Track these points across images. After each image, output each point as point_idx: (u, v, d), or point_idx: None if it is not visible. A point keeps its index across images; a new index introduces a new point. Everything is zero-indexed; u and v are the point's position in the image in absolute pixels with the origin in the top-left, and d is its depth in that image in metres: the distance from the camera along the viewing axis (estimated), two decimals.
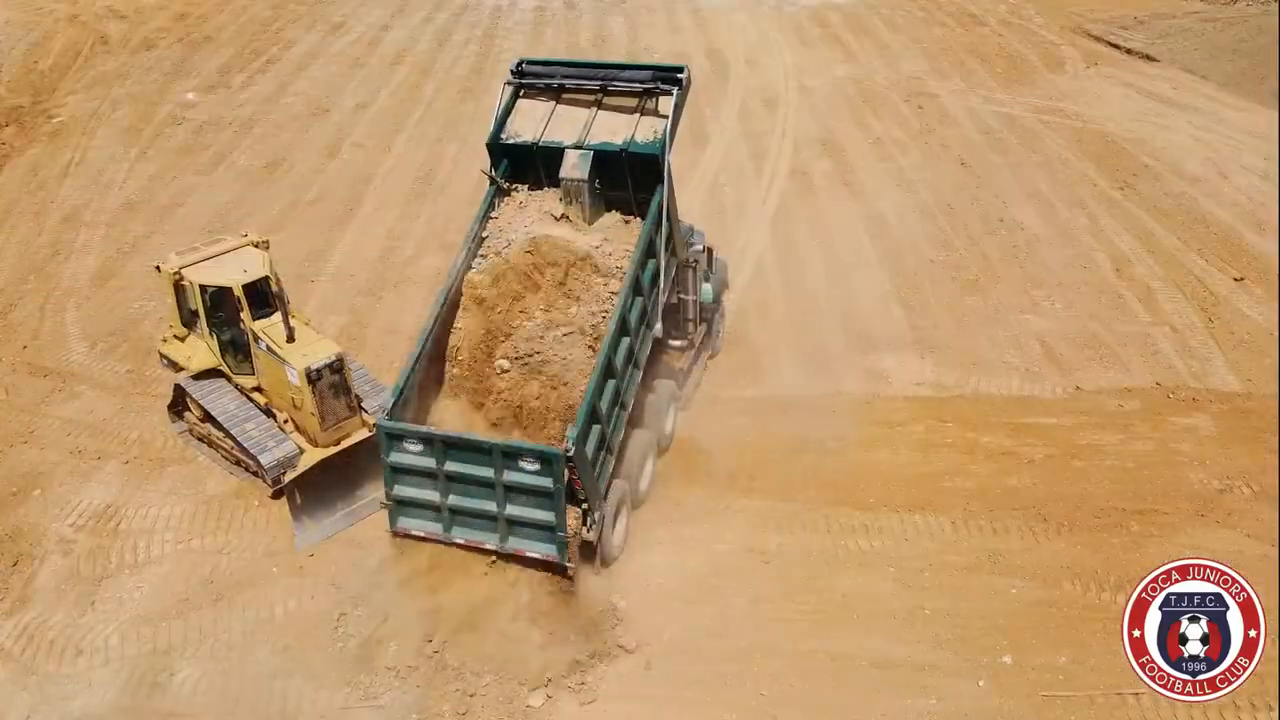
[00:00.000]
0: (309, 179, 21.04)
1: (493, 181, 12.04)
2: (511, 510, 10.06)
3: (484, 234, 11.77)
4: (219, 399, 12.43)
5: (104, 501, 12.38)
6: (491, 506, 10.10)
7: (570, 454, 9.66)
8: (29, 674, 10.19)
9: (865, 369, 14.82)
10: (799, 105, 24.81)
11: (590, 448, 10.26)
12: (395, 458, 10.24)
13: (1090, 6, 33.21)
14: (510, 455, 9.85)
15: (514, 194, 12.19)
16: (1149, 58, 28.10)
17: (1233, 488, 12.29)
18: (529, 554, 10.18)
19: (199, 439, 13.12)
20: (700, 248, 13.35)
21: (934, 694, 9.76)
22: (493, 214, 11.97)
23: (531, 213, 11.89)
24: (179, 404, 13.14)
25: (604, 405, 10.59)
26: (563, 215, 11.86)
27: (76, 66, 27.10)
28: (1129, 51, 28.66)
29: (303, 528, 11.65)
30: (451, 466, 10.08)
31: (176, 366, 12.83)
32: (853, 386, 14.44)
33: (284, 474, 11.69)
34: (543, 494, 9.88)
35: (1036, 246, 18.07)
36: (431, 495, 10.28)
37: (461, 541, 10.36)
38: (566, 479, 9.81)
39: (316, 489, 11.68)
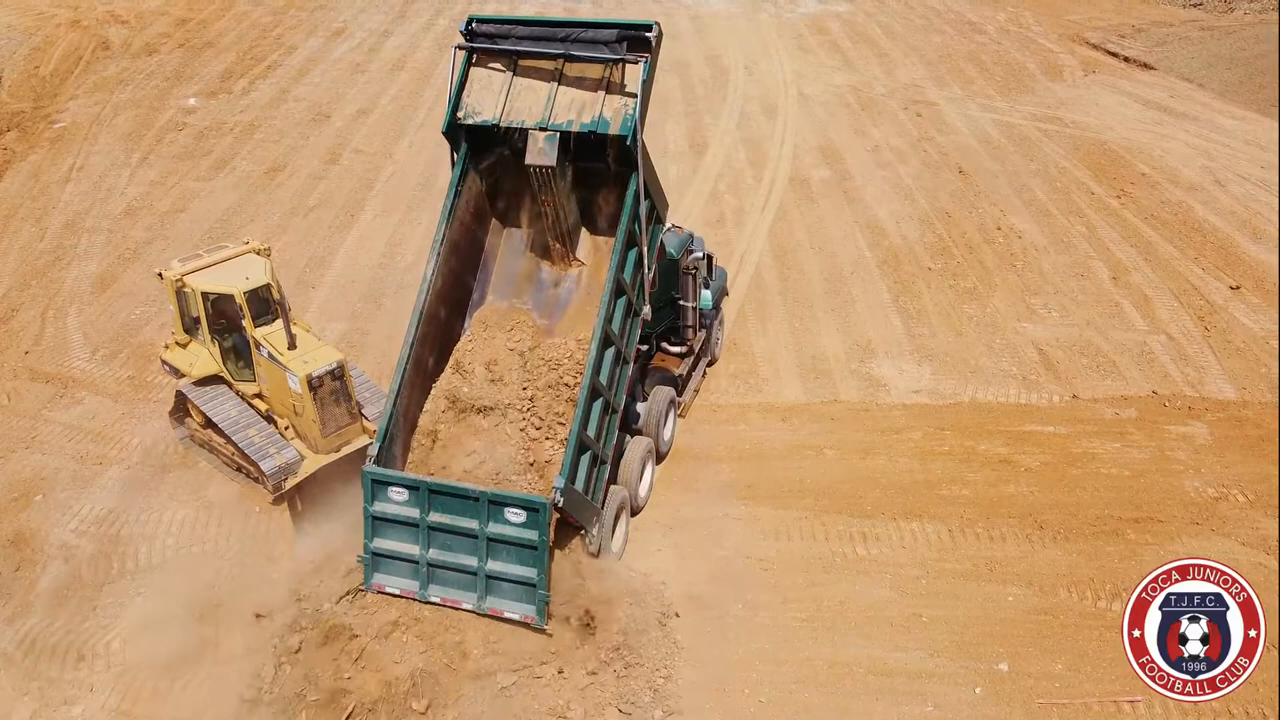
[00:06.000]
0: (310, 185, 21.12)
1: (455, 169, 11.14)
2: (493, 565, 9.75)
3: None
4: (220, 405, 12.48)
5: (106, 507, 12.42)
6: (472, 561, 9.79)
7: (559, 504, 9.50)
8: (31, 680, 10.23)
9: (863, 376, 14.91)
10: (798, 112, 24.94)
11: (580, 479, 10.06)
12: (378, 507, 9.99)
13: (1088, 15, 33.41)
14: (497, 504, 9.61)
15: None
16: (1146, 66, 28.26)
17: (1228, 496, 12.37)
18: (507, 614, 9.81)
19: (200, 445, 13.17)
20: (700, 254, 13.41)
21: (931, 701, 9.82)
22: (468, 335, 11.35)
23: (498, 340, 11.18)
24: (180, 410, 13.19)
25: (591, 429, 10.32)
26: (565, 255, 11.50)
27: (78, 72, 27.18)
28: (1127, 60, 28.82)
29: (303, 533, 11.70)
30: (435, 516, 9.84)
31: (178, 373, 12.87)
32: (850, 394, 14.53)
33: (285, 480, 11.73)
34: (526, 547, 9.59)
35: (1034, 254, 18.17)
36: (411, 549, 9.95)
37: (438, 601, 9.97)
38: (558, 520, 9.69)
39: (317, 495, 11.74)
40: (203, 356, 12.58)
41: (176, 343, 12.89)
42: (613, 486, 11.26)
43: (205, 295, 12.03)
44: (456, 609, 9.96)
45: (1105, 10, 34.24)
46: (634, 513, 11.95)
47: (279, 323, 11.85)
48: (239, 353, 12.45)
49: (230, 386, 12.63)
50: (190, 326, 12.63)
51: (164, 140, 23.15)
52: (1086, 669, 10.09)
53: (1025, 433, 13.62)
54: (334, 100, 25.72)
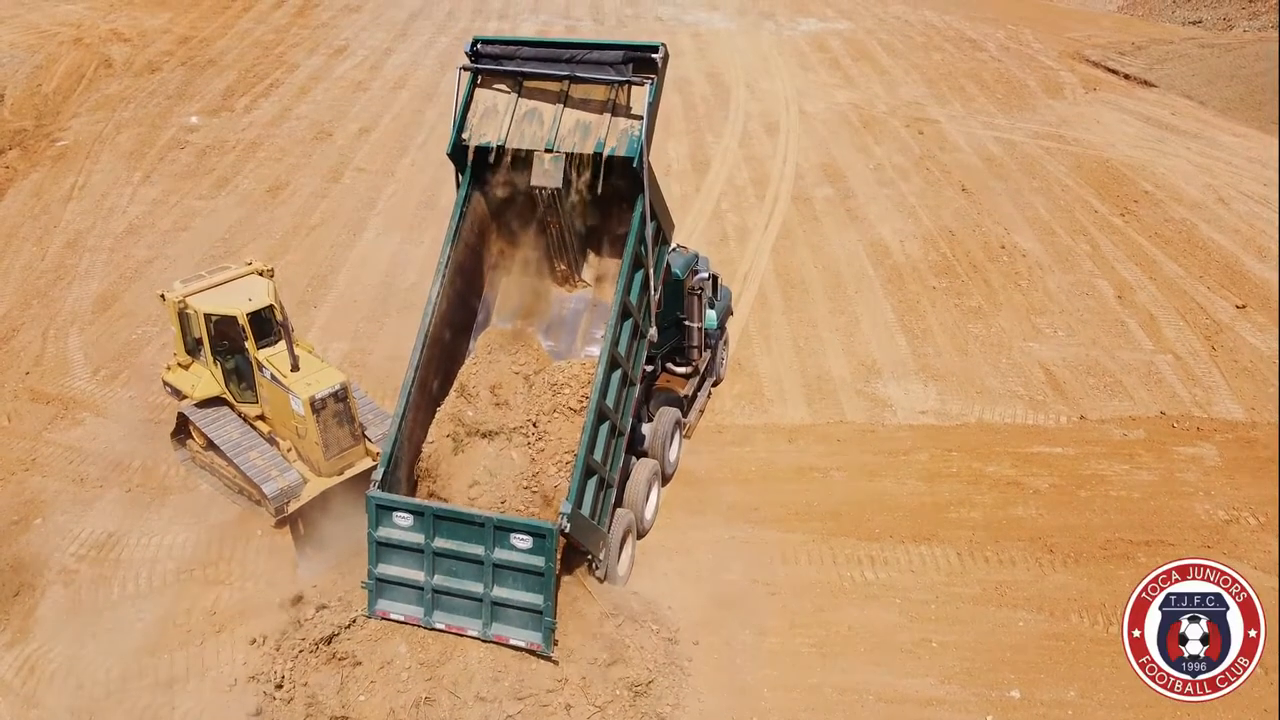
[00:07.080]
0: (312, 203, 21.08)
1: (460, 186, 11.14)
2: (499, 592, 9.62)
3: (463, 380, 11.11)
4: (222, 427, 12.38)
5: (106, 530, 12.30)
6: (478, 588, 9.65)
7: (566, 530, 9.38)
8: (30, 707, 10.09)
9: (869, 397, 14.82)
10: (800, 130, 24.95)
11: (587, 504, 9.95)
12: (383, 532, 9.87)
13: (1088, 32, 33.53)
14: (503, 529, 9.48)
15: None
16: (1147, 83, 28.33)
17: (1239, 518, 12.27)
18: (513, 642, 9.64)
19: (202, 467, 13.06)
20: (705, 275, 13.36)
21: None
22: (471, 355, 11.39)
23: (503, 363, 11.20)
24: (182, 432, 13.09)
25: (598, 453, 10.20)
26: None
27: (80, 90, 27.18)
28: (1127, 77, 28.90)
29: (306, 557, 11.58)
30: (441, 542, 9.70)
31: (180, 394, 12.79)
32: (856, 415, 14.44)
33: (287, 503, 11.62)
34: (532, 573, 9.46)
35: (1038, 273, 18.12)
36: (416, 575, 9.82)
37: (442, 627, 9.83)
38: (564, 546, 9.56)
39: (320, 519, 11.62)
40: (205, 378, 12.50)
41: (179, 364, 12.82)
42: (618, 510, 11.15)
43: (208, 317, 11.97)
44: (461, 636, 9.83)
45: (1105, 27, 34.39)
46: (640, 536, 11.84)
47: (282, 344, 11.78)
48: (241, 374, 12.36)
49: (232, 408, 12.55)
50: (192, 348, 12.56)
51: (166, 158, 23.12)
52: (1099, 696, 9.95)
53: (1033, 454, 13.52)
54: (336, 118, 25.72)
